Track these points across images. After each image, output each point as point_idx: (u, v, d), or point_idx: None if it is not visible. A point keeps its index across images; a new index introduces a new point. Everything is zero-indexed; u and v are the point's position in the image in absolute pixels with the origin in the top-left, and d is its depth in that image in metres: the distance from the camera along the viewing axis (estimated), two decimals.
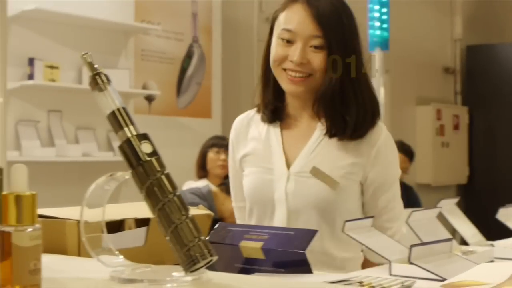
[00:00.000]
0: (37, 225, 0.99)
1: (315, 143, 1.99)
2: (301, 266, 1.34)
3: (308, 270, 1.35)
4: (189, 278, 1.05)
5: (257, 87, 2.10)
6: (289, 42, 1.96)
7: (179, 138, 5.36)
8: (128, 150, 1.07)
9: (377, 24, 5.24)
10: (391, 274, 1.46)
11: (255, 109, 2.13)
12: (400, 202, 2.03)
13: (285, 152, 2.02)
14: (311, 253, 1.40)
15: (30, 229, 0.98)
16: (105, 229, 1.13)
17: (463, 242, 1.93)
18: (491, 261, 1.70)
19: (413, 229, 1.67)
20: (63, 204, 1.50)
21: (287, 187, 1.96)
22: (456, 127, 8.25)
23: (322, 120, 1.99)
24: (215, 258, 1.05)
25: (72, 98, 4.68)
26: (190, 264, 1.04)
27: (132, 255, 1.20)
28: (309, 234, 1.37)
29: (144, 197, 1.06)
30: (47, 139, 4.60)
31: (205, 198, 4.50)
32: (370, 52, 5.13)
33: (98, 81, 1.12)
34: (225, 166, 4.30)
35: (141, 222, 1.38)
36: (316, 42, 1.94)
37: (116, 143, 3.75)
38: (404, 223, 1.81)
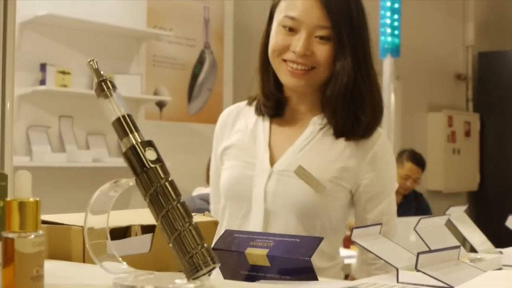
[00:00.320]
0: (40, 232, 0.99)
1: (305, 141, 1.81)
2: (306, 273, 1.33)
3: (314, 278, 1.34)
4: (191, 285, 1.05)
5: (253, 80, 1.94)
6: (292, 30, 1.77)
7: (190, 144, 5.36)
8: (132, 157, 1.07)
9: (389, 30, 5.23)
10: (398, 282, 1.45)
11: (246, 101, 1.97)
12: (395, 218, 1.85)
13: (271, 148, 1.83)
14: None
15: (33, 236, 0.98)
16: (109, 236, 1.13)
17: (473, 250, 1.92)
18: (499, 269, 1.69)
19: (421, 236, 1.66)
20: (73, 210, 1.50)
21: (267, 185, 1.77)
22: (467, 133, 8.23)
23: (320, 116, 1.83)
24: (218, 265, 1.05)
25: (84, 104, 4.69)
26: (193, 271, 1.04)
27: (137, 261, 1.20)
28: (315, 242, 1.36)
29: (148, 204, 1.06)
30: (58, 144, 4.61)
31: None
32: (380, 58, 5.12)
33: (103, 87, 1.12)
34: None
35: (147, 229, 1.38)
36: (323, 32, 1.75)
37: None
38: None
